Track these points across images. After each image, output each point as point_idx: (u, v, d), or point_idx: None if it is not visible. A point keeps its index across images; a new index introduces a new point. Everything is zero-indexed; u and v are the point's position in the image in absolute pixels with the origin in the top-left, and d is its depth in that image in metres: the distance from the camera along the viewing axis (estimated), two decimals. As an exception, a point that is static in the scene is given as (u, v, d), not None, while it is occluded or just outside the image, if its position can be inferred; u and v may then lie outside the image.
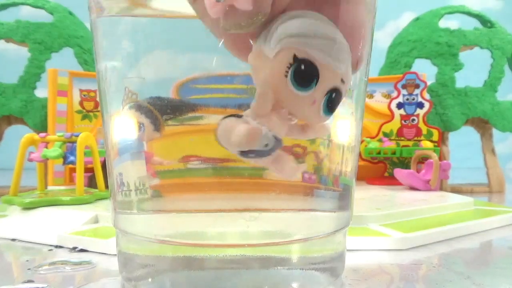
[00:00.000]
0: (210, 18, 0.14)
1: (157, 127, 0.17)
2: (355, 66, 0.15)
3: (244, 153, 0.14)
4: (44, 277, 0.22)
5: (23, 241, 0.29)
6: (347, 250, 0.21)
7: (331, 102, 0.14)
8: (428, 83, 0.61)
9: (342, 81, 0.14)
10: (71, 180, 0.56)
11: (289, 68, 0.13)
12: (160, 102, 0.17)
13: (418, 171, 0.53)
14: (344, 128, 0.19)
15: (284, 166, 0.15)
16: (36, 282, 0.21)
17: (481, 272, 0.23)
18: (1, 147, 0.61)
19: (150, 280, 0.18)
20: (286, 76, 0.13)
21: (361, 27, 0.15)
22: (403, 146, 0.59)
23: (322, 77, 0.14)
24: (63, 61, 0.61)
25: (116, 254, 0.21)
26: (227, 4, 0.13)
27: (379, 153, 0.58)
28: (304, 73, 0.13)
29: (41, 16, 0.61)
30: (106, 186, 0.42)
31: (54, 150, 0.40)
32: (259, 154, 0.14)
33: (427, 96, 0.61)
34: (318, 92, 0.14)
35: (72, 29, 0.61)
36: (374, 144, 0.59)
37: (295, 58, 0.13)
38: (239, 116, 0.14)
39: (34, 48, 0.58)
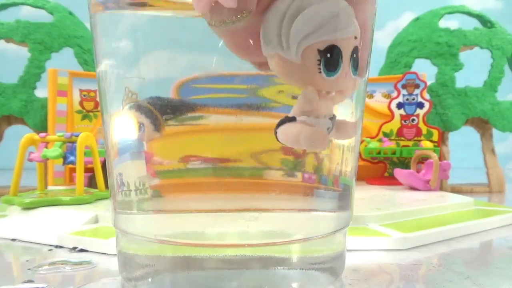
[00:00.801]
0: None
1: (157, 127, 0.17)
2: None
3: None
4: (44, 277, 0.22)
5: (23, 241, 0.29)
6: (347, 250, 0.21)
7: (355, 61, 0.15)
8: (428, 83, 0.61)
9: (356, 37, 0.15)
10: (71, 180, 0.56)
11: (319, 64, 0.14)
12: (160, 102, 0.17)
13: (418, 171, 0.53)
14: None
15: (344, 132, 0.17)
16: (36, 282, 0.21)
17: (481, 272, 0.23)
18: (1, 147, 0.61)
19: (150, 280, 0.18)
20: (320, 72, 0.14)
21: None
22: (403, 146, 0.59)
23: (343, 49, 0.14)
24: (63, 61, 0.61)
25: (116, 254, 0.21)
26: (213, 0, 0.13)
27: (379, 153, 0.58)
28: (331, 60, 0.14)
29: (41, 16, 0.61)
30: (106, 186, 0.42)
31: (54, 150, 0.40)
32: None
33: (427, 96, 0.61)
34: (346, 64, 0.15)
35: (72, 29, 0.61)
36: (374, 144, 0.59)
37: (319, 52, 0.14)
38: (294, 119, 0.15)
39: (34, 48, 0.58)
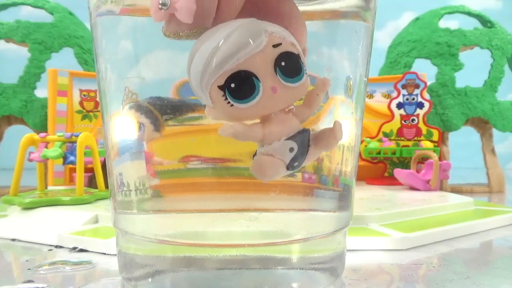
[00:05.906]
0: None
1: (157, 127, 0.17)
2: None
3: (291, 167, 0.15)
4: (44, 277, 0.22)
5: (23, 241, 0.29)
6: (347, 250, 0.21)
7: (286, 67, 0.13)
8: (428, 83, 0.61)
9: (276, 44, 0.13)
10: (71, 180, 0.56)
11: (226, 98, 0.14)
12: (160, 102, 0.17)
13: (418, 171, 0.53)
14: (344, 128, 0.19)
15: (331, 142, 0.15)
16: (36, 282, 0.21)
17: (481, 272, 0.23)
18: (1, 147, 0.61)
19: (150, 280, 0.18)
20: (231, 105, 0.14)
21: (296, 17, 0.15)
22: (403, 146, 0.59)
23: (255, 67, 0.13)
24: (63, 61, 0.61)
25: (116, 254, 0.21)
26: (169, 12, 0.14)
27: (379, 153, 0.58)
28: (236, 88, 0.14)
29: (41, 16, 0.61)
30: (106, 186, 0.42)
31: (54, 150, 0.40)
32: (299, 157, 0.15)
33: (427, 96, 0.61)
34: (267, 79, 0.14)
35: (72, 29, 0.61)
36: (374, 144, 0.59)
37: (220, 88, 0.14)
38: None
39: (34, 48, 0.58)
